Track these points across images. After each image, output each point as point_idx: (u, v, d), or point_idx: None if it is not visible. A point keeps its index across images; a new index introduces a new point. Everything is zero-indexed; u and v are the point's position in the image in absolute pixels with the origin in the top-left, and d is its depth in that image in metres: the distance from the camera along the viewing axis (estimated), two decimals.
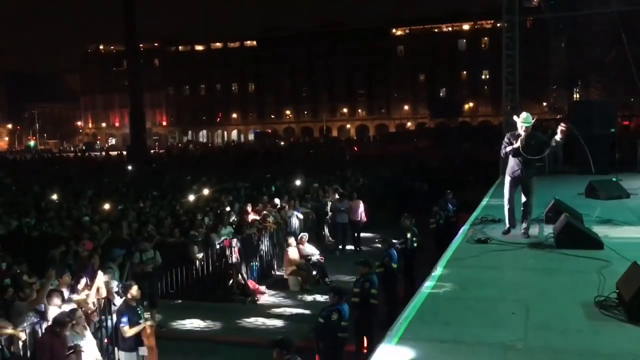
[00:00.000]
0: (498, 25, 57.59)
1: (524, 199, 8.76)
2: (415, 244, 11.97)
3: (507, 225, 9.01)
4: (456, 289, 6.48)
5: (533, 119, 8.62)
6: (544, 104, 64.48)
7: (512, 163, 8.80)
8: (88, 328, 7.84)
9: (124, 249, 11.67)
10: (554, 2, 24.26)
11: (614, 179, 13.42)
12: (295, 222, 16.37)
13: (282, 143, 73.88)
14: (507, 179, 8.91)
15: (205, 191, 20.06)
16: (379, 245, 12.45)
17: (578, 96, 32.68)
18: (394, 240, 11.41)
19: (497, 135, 21.94)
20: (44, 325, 7.54)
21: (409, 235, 11.93)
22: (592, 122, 16.86)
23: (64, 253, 11.43)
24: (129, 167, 35.68)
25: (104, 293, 8.84)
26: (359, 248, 17.01)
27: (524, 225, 8.85)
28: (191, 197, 18.70)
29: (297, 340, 6.61)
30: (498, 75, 21.65)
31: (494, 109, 77.51)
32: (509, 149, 8.67)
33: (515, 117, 8.85)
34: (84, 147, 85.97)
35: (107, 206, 16.72)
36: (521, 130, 8.54)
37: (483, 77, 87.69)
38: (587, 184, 12.64)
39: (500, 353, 4.75)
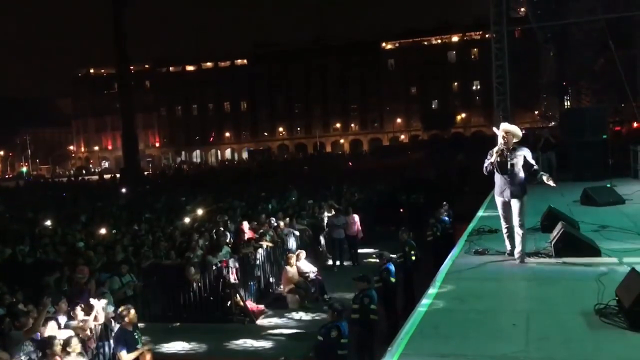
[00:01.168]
0: (487, 36, 58.05)
1: (517, 220, 7.68)
2: (413, 258, 11.94)
3: (509, 249, 8.08)
4: (456, 302, 6.43)
5: (509, 127, 7.71)
6: (536, 112, 64.83)
7: (500, 181, 7.76)
8: (85, 355, 7.75)
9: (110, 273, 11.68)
10: (540, 12, 24.46)
11: (608, 185, 13.44)
12: (291, 240, 16.31)
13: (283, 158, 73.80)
14: (498, 201, 7.94)
15: (200, 212, 20.01)
16: (377, 260, 12.40)
17: (569, 104, 32.90)
18: (391, 255, 11.37)
19: (491, 145, 22.02)
20: (40, 355, 7.44)
21: (407, 249, 11.92)
22: (584, 129, 16.95)
23: (58, 279, 11.34)
24: (123, 190, 35.59)
25: (101, 319, 8.76)
26: (356, 263, 16.95)
27: (519, 248, 7.79)
28: (186, 219, 18.64)
29: (297, 358, 6.58)
30: (489, 86, 21.80)
31: (487, 119, 77.85)
32: (487, 163, 7.71)
33: (494, 129, 7.96)
34: (83, 171, 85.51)
35: (101, 230, 16.65)
36: (500, 141, 7.61)
37: (474, 87, 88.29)
38: (582, 191, 12.65)
39: None
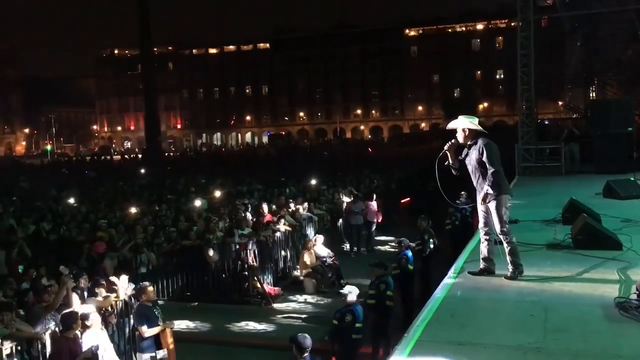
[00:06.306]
0: (512, 24, 57.25)
1: (497, 228, 6.53)
2: (432, 246, 11.92)
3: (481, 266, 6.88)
4: (473, 291, 6.41)
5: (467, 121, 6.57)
6: (560, 103, 63.99)
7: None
8: (105, 330, 7.87)
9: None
10: (569, 0, 24.04)
11: (631, 179, 13.25)
12: (309, 224, 16.36)
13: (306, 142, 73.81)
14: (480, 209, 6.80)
15: (220, 194, 20.13)
16: (395, 247, 12.40)
17: (594, 95, 32.37)
18: (409, 242, 11.35)
19: (513, 134, 21.78)
20: (60, 329, 7.58)
21: (426, 237, 11.88)
22: (609, 121, 16.70)
23: (78, 256, 11.53)
24: (142, 170, 35.90)
25: (121, 295, 8.88)
26: (374, 249, 16.96)
27: (510, 268, 6.59)
28: (206, 200, 18.74)
29: (312, 342, 6.64)
30: (513, 75, 21.53)
31: (509, 109, 77.16)
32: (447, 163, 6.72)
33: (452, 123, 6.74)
34: (112, 151, 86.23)
35: (123, 209, 16.84)
36: (460, 139, 6.61)
37: (497, 76, 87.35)
38: (605, 184, 12.50)
39: (519, 355, 4.69)
